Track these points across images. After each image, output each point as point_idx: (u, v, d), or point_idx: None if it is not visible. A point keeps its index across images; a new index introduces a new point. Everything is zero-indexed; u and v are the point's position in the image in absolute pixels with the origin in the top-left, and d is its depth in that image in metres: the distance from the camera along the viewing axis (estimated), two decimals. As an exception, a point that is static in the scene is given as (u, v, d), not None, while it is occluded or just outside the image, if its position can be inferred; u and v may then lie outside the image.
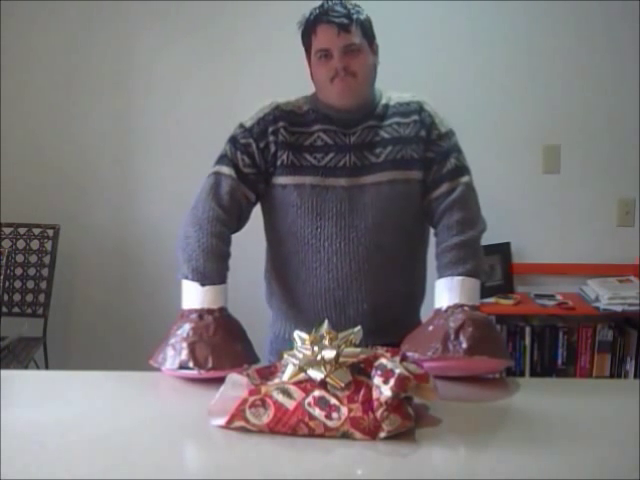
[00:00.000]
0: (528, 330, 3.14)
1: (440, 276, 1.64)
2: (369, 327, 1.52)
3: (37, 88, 3.31)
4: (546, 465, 1.18)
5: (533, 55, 3.19)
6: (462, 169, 1.71)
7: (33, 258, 3.23)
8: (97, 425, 1.33)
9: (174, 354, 1.52)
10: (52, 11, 3.23)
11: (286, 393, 1.27)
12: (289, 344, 1.40)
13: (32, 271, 3.23)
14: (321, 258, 1.66)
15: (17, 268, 3.23)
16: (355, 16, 1.61)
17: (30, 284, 3.23)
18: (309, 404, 1.25)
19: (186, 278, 1.65)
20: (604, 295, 3.03)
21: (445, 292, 1.60)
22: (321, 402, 1.25)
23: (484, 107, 3.22)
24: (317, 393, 1.26)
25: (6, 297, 3.16)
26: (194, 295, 1.62)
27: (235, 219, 1.71)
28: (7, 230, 3.24)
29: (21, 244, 3.24)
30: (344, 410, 1.24)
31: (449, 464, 1.22)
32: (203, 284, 1.62)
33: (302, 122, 1.69)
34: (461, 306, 1.56)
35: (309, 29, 1.63)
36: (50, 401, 1.44)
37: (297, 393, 1.27)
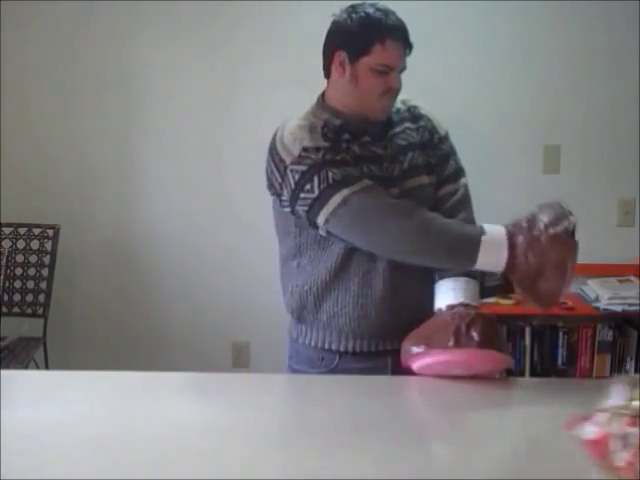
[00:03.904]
0: (528, 330, 3.14)
1: (442, 276, 1.64)
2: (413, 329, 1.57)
3: (37, 88, 3.30)
4: (546, 465, 1.18)
5: (533, 55, 3.19)
6: (461, 171, 1.75)
7: (33, 258, 3.23)
8: (97, 425, 1.33)
9: None
10: (51, 11, 3.23)
11: None
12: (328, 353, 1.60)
13: (32, 271, 3.23)
14: (376, 267, 1.64)
15: (17, 268, 3.23)
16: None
17: (30, 284, 3.23)
18: None
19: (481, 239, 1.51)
20: (604, 295, 3.03)
21: (450, 291, 1.61)
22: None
23: (484, 107, 3.22)
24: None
25: (6, 297, 3.16)
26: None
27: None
28: (7, 230, 3.23)
29: (21, 244, 3.24)
30: None
31: (449, 464, 1.22)
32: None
33: (348, 133, 1.64)
34: (466, 305, 1.57)
35: (374, 36, 1.57)
36: (50, 401, 1.44)
37: None
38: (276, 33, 3.20)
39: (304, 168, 1.56)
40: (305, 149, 1.57)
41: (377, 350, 1.68)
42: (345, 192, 1.54)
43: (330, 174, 1.54)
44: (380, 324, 1.65)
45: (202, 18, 3.21)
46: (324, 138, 1.59)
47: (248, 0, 3.17)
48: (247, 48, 3.22)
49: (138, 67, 3.28)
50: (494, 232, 1.51)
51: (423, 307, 1.65)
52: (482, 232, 1.51)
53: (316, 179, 1.55)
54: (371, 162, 1.63)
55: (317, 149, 1.57)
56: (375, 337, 1.67)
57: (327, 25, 1.66)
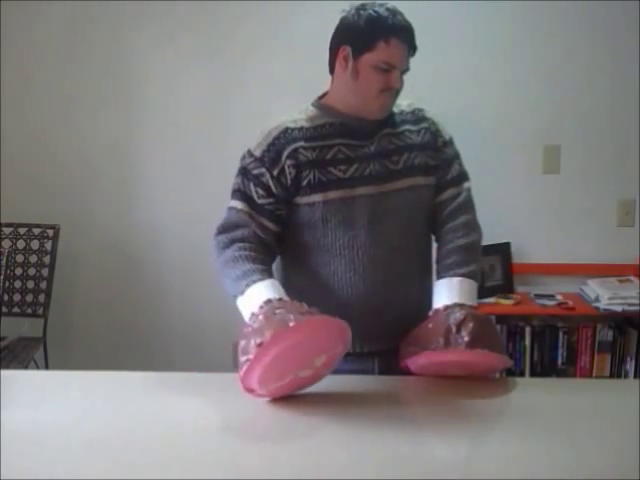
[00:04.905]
0: (528, 330, 3.14)
1: (441, 277, 1.66)
2: (401, 331, 1.58)
3: (37, 88, 3.31)
4: (546, 465, 1.18)
5: (533, 55, 3.19)
6: (464, 175, 1.76)
7: (33, 258, 3.23)
8: (97, 425, 1.33)
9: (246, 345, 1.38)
10: (51, 11, 3.23)
11: None
12: None
13: (32, 271, 3.23)
14: (355, 267, 1.63)
15: (17, 268, 3.23)
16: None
17: (30, 284, 3.23)
18: None
19: (237, 296, 1.54)
20: (604, 295, 3.03)
21: (444, 291, 1.62)
22: None
23: (484, 107, 3.22)
24: None
25: (6, 297, 3.16)
26: (249, 302, 1.50)
27: (260, 249, 1.63)
28: (7, 230, 3.24)
29: (21, 244, 3.24)
30: None
31: (449, 464, 1.22)
32: (247, 286, 1.51)
33: (319, 136, 1.64)
34: (460, 305, 1.57)
35: (380, 33, 1.57)
36: (50, 401, 1.44)
37: None
38: (276, 33, 3.20)
39: (239, 166, 1.68)
40: (248, 151, 1.66)
41: (362, 352, 1.67)
42: (230, 203, 1.67)
43: (239, 182, 1.66)
44: (363, 325, 1.62)
45: (202, 18, 3.21)
46: (268, 147, 1.63)
47: (248, 0, 3.18)
48: (247, 48, 3.22)
49: (138, 67, 3.28)
50: (253, 294, 1.49)
51: (406, 308, 1.65)
52: (245, 288, 1.51)
53: (237, 179, 1.67)
54: (328, 165, 1.62)
55: (251, 155, 1.65)
56: (359, 338, 1.64)
57: (328, 25, 1.66)
